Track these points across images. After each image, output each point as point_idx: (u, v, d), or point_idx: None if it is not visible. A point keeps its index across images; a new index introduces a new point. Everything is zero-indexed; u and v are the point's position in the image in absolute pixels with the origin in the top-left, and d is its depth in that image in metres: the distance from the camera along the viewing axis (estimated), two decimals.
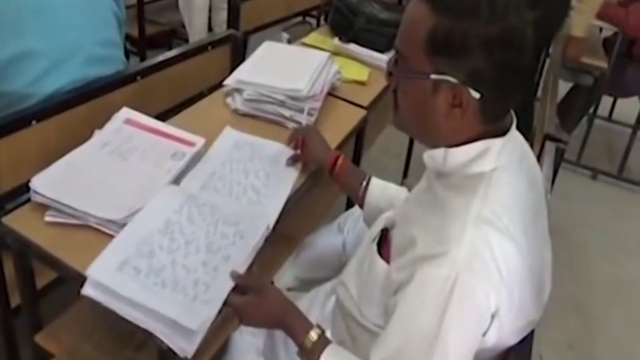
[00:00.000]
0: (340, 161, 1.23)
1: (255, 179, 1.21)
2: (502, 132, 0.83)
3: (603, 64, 2.87)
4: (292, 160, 1.26)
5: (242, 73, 1.44)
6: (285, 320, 0.94)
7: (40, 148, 1.24)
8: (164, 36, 3.00)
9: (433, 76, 0.78)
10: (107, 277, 0.90)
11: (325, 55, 1.54)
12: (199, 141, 1.24)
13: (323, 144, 1.27)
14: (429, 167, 0.91)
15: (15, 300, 1.20)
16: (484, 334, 0.77)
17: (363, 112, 1.54)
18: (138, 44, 2.75)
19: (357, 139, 1.58)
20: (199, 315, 0.89)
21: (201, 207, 1.08)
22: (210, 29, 2.46)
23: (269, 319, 0.96)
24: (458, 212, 0.79)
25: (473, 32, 0.74)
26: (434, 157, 0.86)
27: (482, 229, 0.76)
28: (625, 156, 2.99)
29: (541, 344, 1.92)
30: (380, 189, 1.21)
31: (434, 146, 0.86)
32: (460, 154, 0.83)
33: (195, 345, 0.88)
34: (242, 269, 0.99)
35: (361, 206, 1.24)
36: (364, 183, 1.22)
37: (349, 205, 1.61)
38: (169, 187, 1.11)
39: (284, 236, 1.33)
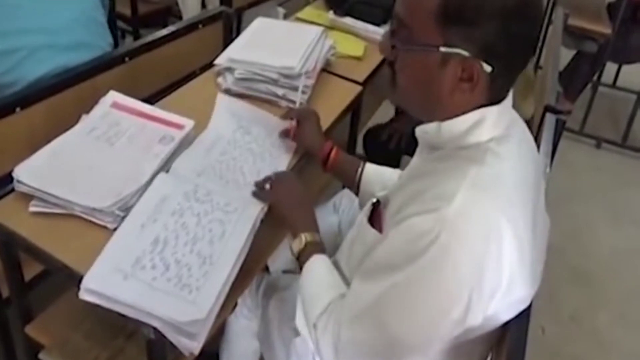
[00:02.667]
0: (333, 154, 1.16)
1: (248, 162, 1.16)
2: (498, 100, 0.78)
3: (607, 30, 2.76)
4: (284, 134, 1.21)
5: (234, 51, 1.38)
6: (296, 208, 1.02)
7: (25, 136, 1.20)
8: (159, 14, 2.91)
9: (443, 49, 0.71)
10: (103, 285, 0.86)
11: (319, 30, 1.47)
12: (188, 124, 1.18)
13: (318, 132, 1.20)
14: (422, 141, 0.86)
15: (6, 290, 1.16)
16: (467, 312, 0.72)
17: (359, 88, 1.48)
18: (131, 23, 2.67)
19: (353, 115, 1.52)
20: (202, 307, 0.86)
21: (194, 204, 1.03)
22: (204, 6, 2.38)
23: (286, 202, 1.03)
24: (454, 175, 0.74)
25: (490, 1, 0.68)
26: (426, 131, 0.81)
27: (477, 195, 0.71)
28: (630, 123, 2.90)
29: (543, 316, 1.88)
30: (375, 174, 1.15)
31: (431, 120, 0.80)
32: (455, 126, 0.77)
33: (201, 342, 0.86)
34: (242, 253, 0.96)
35: (357, 193, 1.18)
36: (359, 170, 1.16)
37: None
38: (161, 178, 1.06)
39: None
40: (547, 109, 1.30)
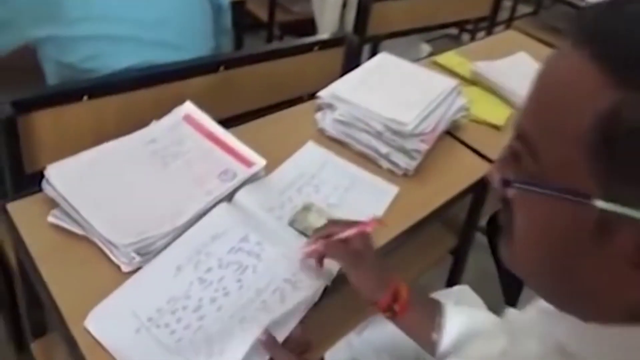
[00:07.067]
0: (403, 298, 0.81)
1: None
2: None
3: None
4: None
5: (341, 86, 1.20)
6: None
7: (89, 127, 1.12)
8: (304, 24, 2.87)
9: (600, 203, 0.42)
10: (105, 332, 0.75)
11: (451, 83, 1.24)
12: (259, 163, 1.01)
13: (377, 264, 0.84)
14: (547, 327, 0.56)
15: None
16: None
17: (488, 167, 1.22)
18: (269, 28, 2.64)
19: (474, 203, 1.26)
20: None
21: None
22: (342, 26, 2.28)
23: None
24: None
25: None
26: (558, 324, 0.53)
27: None
28: None
29: None
30: (463, 329, 0.81)
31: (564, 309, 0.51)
32: (609, 339, 0.48)
33: None
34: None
35: (432, 353, 0.83)
36: (437, 319, 0.82)
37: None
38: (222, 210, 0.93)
39: (350, 304, 1.05)
40: None
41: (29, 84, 1.32)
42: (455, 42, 3.10)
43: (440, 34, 2.92)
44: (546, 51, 1.90)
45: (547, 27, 3.13)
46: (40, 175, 0.93)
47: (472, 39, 3.22)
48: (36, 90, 1.09)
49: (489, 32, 2.44)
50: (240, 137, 1.06)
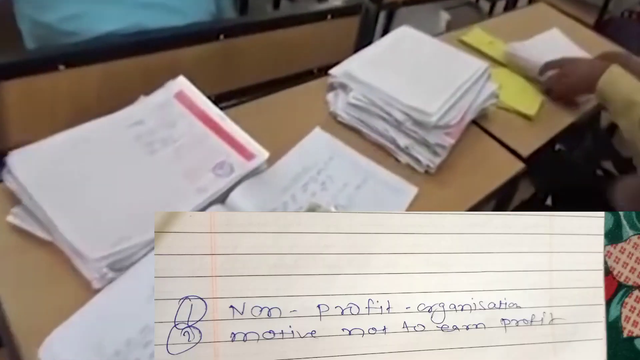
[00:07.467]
0: None
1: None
2: None
3: None
4: None
5: (356, 64, 1.05)
6: None
7: (66, 102, 0.98)
8: None
9: None
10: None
11: (481, 66, 1.09)
12: (260, 155, 0.87)
13: None
14: None
15: None
16: None
17: (519, 166, 1.07)
18: None
19: (498, 204, 1.12)
20: None
21: None
22: None
23: None
24: None
25: None
26: None
27: None
28: None
29: None
30: None
31: None
32: None
33: None
34: None
35: None
36: None
37: None
38: None
39: None
40: None
41: (5, 49, 1.17)
42: (475, 10, 2.90)
43: (459, 2, 2.72)
44: (576, 27, 1.72)
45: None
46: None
47: (492, 7, 3.02)
48: (4, 55, 0.93)
49: (513, 2, 2.27)
50: (239, 119, 0.91)
